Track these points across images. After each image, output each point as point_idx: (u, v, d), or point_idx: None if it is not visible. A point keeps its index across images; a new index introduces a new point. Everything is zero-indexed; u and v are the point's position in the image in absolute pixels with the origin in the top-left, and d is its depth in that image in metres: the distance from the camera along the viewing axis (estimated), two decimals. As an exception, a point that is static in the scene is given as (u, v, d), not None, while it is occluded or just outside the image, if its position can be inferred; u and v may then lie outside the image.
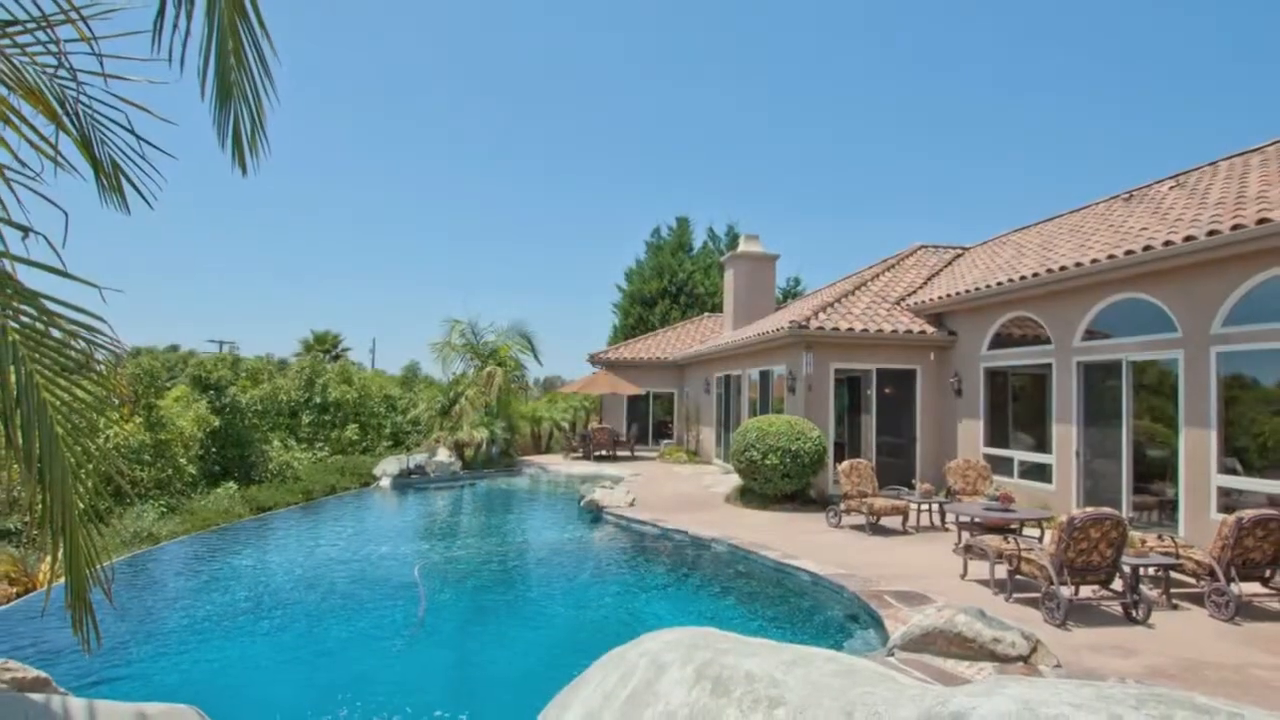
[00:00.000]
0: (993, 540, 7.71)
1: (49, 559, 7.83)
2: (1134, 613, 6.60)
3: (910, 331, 14.16)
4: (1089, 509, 6.69)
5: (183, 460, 15.80)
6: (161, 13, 3.12)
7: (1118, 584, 6.85)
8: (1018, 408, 12.73)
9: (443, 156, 69.80)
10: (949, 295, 13.83)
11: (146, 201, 3.30)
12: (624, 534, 11.74)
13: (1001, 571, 7.48)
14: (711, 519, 11.90)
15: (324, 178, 71.28)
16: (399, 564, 9.66)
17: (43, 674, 3.79)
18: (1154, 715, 2.24)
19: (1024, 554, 7.09)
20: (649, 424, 25.85)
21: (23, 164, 3.08)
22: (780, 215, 66.92)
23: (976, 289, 12.91)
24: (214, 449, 17.50)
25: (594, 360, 26.19)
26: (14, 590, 7.79)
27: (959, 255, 18.57)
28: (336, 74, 59.30)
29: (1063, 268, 10.74)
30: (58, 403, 3.04)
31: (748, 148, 65.17)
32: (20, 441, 2.78)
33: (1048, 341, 11.58)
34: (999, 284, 12.23)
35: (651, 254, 36.33)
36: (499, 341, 21.62)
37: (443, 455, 18.28)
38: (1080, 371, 10.91)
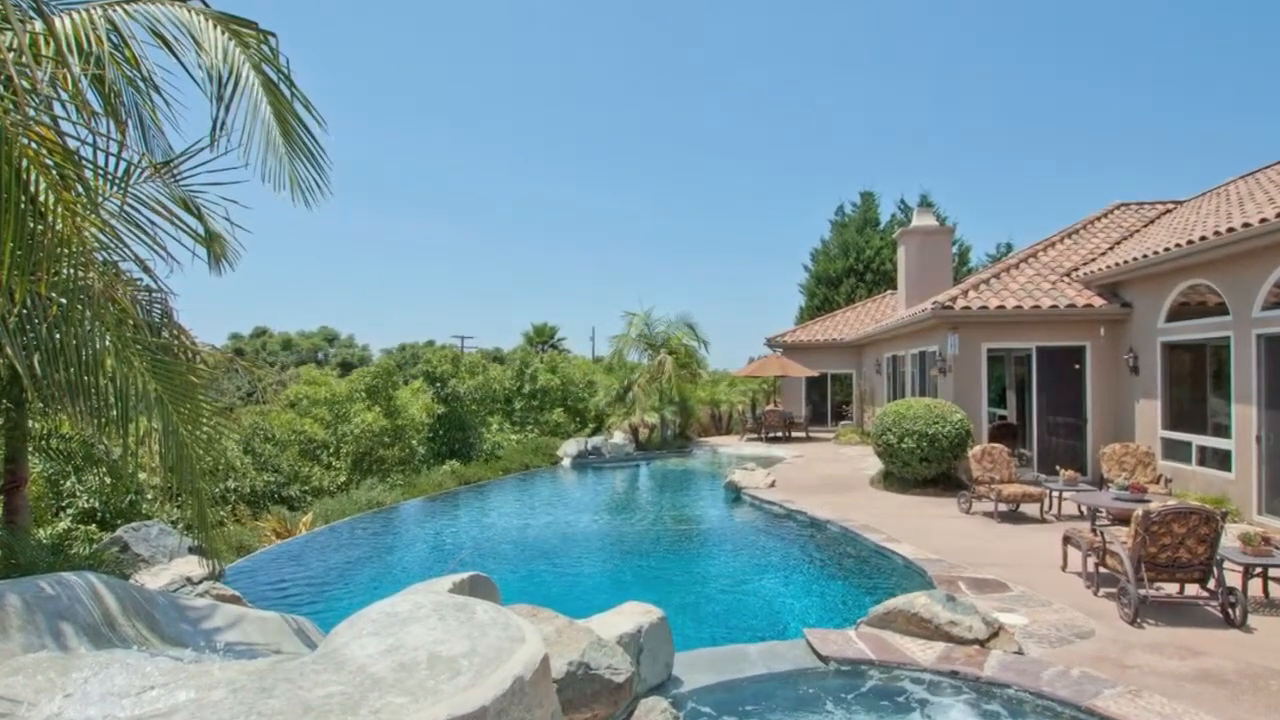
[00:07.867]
0: (1085, 532, 7.23)
1: (307, 515, 10.36)
2: (1231, 614, 5.96)
3: (1073, 306, 12.85)
4: (1171, 503, 6.13)
5: (415, 442, 19.07)
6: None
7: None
8: (1198, 386, 11.10)
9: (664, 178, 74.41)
10: (1118, 264, 12.33)
11: (231, 265, 5.04)
12: (755, 512, 12.29)
13: (1092, 565, 7.02)
14: (843, 501, 11.99)
15: (576, 200, 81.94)
16: (543, 530, 11.28)
17: (234, 592, 5.57)
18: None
19: (1108, 547, 6.63)
20: (828, 405, 25.46)
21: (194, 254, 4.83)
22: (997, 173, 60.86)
23: (1144, 256, 11.42)
24: (441, 432, 20.73)
25: (771, 344, 26.32)
26: (275, 539, 10.52)
27: (1166, 212, 16.11)
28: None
29: (1230, 229, 9.29)
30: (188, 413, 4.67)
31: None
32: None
33: (1225, 312, 10.02)
34: (1166, 249, 10.76)
35: (836, 232, 35.22)
36: (669, 332, 22.74)
37: (618, 438, 19.93)
38: (1260, 345, 9.36)
